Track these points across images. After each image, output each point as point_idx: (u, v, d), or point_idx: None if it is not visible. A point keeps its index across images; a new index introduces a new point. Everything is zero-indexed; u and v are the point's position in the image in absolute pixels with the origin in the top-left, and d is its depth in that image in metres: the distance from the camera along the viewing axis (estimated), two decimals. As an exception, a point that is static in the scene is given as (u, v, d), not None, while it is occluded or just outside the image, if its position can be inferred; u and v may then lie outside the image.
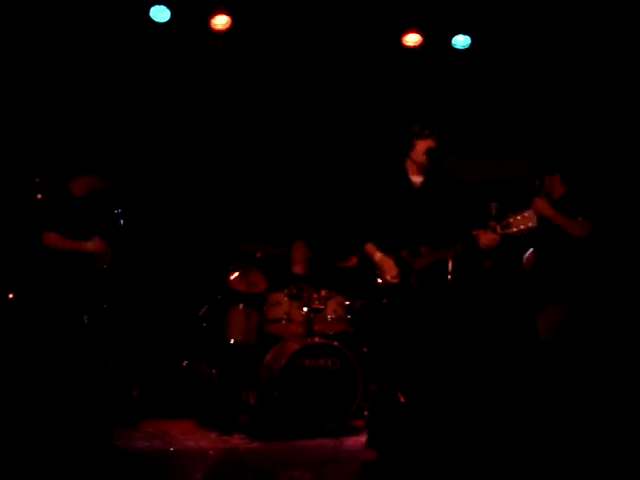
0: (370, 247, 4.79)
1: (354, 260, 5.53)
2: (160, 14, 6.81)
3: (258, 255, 6.79)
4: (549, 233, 5.34)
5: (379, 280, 4.77)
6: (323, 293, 6.48)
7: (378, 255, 4.74)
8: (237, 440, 5.84)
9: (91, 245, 5.12)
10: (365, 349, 6.56)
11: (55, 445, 4.69)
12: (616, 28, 6.72)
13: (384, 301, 4.73)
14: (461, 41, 7.10)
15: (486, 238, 4.47)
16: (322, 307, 6.46)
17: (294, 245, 7.26)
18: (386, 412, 4.82)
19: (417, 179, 4.85)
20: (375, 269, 4.77)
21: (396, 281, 4.67)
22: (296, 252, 7.26)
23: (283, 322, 6.51)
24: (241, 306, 6.65)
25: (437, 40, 7.14)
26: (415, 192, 4.84)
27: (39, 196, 4.73)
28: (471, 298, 6.41)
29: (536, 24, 6.90)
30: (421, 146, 4.74)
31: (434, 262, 4.67)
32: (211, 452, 5.42)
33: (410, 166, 4.84)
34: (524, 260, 5.78)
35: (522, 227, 4.43)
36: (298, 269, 7.25)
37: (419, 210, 4.78)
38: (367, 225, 4.85)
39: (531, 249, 5.71)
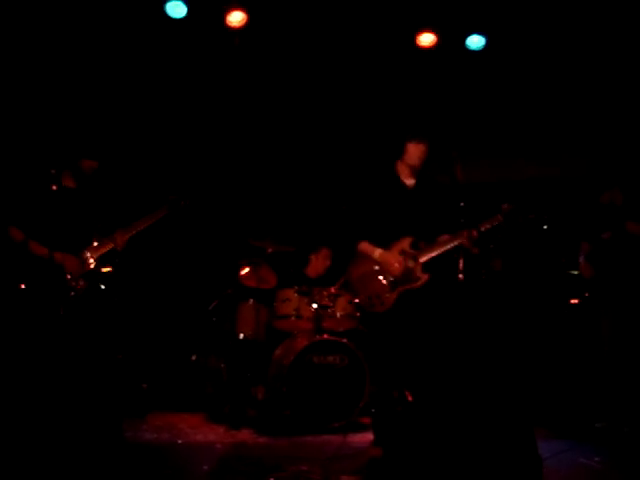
0: (366, 246, 4.87)
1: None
2: (176, 10, 6.84)
3: (269, 251, 6.80)
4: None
5: (380, 278, 4.83)
6: (332, 290, 6.50)
7: (378, 251, 4.83)
8: (245, 434, 5.88)
9: (59, 256, 4.94)
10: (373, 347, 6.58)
11: (65, 435, 4.72)
12: (633, 28, 6.71)
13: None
14: (476, 42, 7.11)
15: None
16: (331, 304, 6.47)
17: (320, 251, 7.18)
18: (390, 410, 4.87)
19: (409, 181, 5.00)
20: (375, 267, 4.82)
21: (399, 273, 4.74)
22: (319, 259, 7.19)
23: (292, 318, 6.52)
24: (251, 301, 6.67)
25: (452, 40, 7.15)
26: (408, 193, 4.97)
27: (54, 187, 4.74)
28: (481, 298, 6.43)
29: (552, 25, 6.89)
30: (413, 150, 4.87)
31: (439, 255, 4.77)
32: (218, 446, 5.44)
33: (402, 169, 4.97)
34: (581, 263, 5.89)
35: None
36: (312, 273, 7.20)
37: (413, 209, 4.91)
38: (361, 225, 4.92)
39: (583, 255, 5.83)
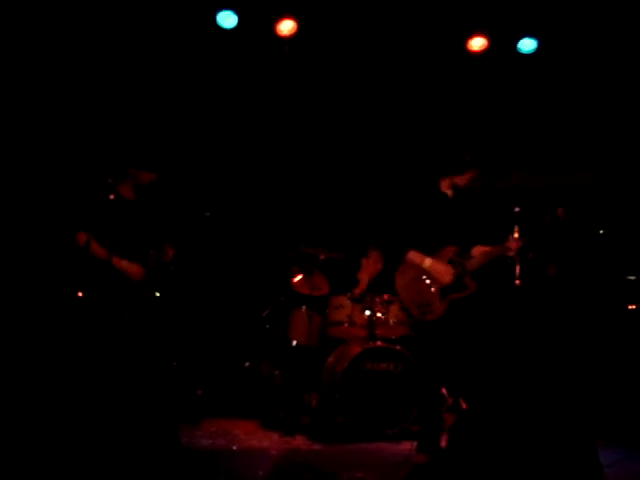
0: (415, 254, 4.84)
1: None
2: (227, 20, 6.92)
3: (321, 258, 6.81)
4: None
5: (430, 286, 4.81)
6: (385, 297, 6.48)
7: (428, 261, 4.80)
8: (299, 441, 5.90)
9: (125, 264, 5.05)
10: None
11: (122, 440, 4.79)
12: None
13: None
14: (527, 45, 7.04)
15: None
16: (384, 311, 6.46)
17: (371, 254, 7.10)
18: (436, 417, 4.86)
19: (450, 192, 5.02)
20: (423, 276, 4.81)
21: (449, 283, 4.72)
22: (370, 262, 7.10)
23: (345, 325, 6.52)
24: (304, 308, 6.68)
25: (503, 44, 7.09)
26: (449, 202, 4.99)
27: (112, 196, 4.82)
28: (538, 304, 6.36)
29: (605, 26, 6.79)
30: (467, 174, 4.91)
31: (487, 263, 4.76)
32: (273, 452, 5.47)
33: (445, 182, 4.99)
34: None
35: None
36: (364, 277, 7.12)
37: (455, 217, 4.94)
38: (407, 233, 4.90)
39: None
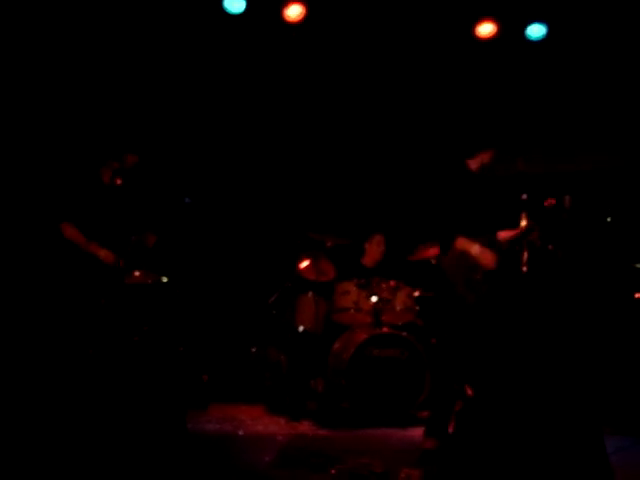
0: (464, 241, 4.76)
1: (430, 252, 5.54)
2: (234, 4, 6.88)
3: (328, 244, 6.81)
4: None
5: (476, 272, 4.78)
6: (392, 284, 6.48)
7: (476, 248, 4.72)
8: (305, 426, 5.92)
9: (103, 253, 5.04)
10: (434, 340, 6.54)
11: (130, 426, 4.81)
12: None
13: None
14: (536, 31, 7.00)
15: None
16: (391, 297, 6.46)
17: (373, 238, 7.10)
18: (447, 403, 4.86)
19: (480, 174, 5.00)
20: (470, 261, 4.76)
21: (494, 268, 4.72)
22: (373, 246, 7.11)
23: (351, 311, 6.53)
24: (310, 294, 6.69)
25: (511, 30, 7.05)
26: (476, 184, 4.94)
27: (119, 181, 4.80)
28: (545, 291, 6.35)
29: (613, 14, 6.74)
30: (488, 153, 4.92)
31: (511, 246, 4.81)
32: (279, 437, 5.49)
33: (472, 162, 4.96)
34: None
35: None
36: (369, 262, 7.13)
37: (481, 199, 4.91)
38: (450, 217, 4.86)
39: None
